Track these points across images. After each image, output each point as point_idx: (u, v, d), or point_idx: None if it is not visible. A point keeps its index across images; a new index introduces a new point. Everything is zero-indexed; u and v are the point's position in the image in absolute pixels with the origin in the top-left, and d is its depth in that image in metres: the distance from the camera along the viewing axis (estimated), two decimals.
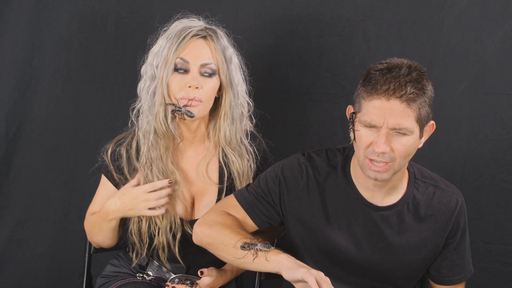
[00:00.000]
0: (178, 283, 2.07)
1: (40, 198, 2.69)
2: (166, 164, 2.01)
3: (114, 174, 2.04)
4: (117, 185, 2.05)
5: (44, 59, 2.61)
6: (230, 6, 2.46)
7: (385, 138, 1.70)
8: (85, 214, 2.28)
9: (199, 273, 2.02)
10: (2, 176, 2.66)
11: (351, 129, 1.77)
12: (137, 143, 2.04)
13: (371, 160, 1.73)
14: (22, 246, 2.70)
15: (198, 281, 2.03)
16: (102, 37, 2.59)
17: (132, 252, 2.09)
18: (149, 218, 2.03)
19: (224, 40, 2.01)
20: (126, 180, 2.04)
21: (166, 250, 2.04)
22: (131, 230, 2.06)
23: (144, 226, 2.03)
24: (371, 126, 1.71)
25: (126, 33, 2.58)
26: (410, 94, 1.68)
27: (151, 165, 2.01)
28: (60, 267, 2.71)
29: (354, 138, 1.76)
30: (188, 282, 2.05)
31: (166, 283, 2.06)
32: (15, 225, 2.70)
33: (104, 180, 2.08)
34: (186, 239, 2.02)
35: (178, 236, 2.02)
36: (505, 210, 2.42)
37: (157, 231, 2.02)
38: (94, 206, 2.09)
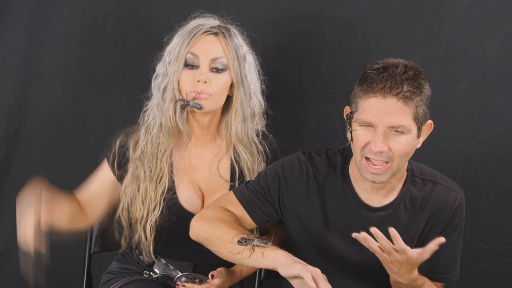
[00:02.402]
0: (186, 281, 2.07)
1: None
2: (157, 163, 2.02)
3: (116, 165, 2.06)
4: (116, 175, 2.07)
5: (44, 59, 2.61)
6: (230, 6, 2.46)
7: (382, 137, 1.70)
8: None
9: (209, 276, 2.03)
10: (2, 176, 2.66)
11: (348, 130, 1.77)
12: (138, 137, 2.06)
13: (367, 159, 1.73)
14: None
15: (208, 281, 2.04)
16: (102, 37, 2.59)
17: (121, 237, 2.12)
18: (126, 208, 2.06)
19: (238, 39, 2.02)
20: (125, 173, 2.05)
21: (141, 243, 2.06)
22: (119, 216, 2.09)
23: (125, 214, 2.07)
24: (367, 125, 1.71)
25: (126, 33, 2.58)
26: (406, 92, 1.68)
27: (143, 159, 2.02)
28: (60, 267, 2.71)
29: (352, 139, 1.76)
30: (197, 280, 2.06)
31: (176, 283, 2.07)
32: (15, 225, 2.68)
33: (105, 165, 2.08)
34: None
35: (153, 232, 2.04)
36: (505, 210, 2.41)
37: (134, 221, 2.06)
38: (84, 190, 2.09)
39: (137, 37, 2.56)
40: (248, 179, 2.05)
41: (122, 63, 2.59)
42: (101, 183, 2.08)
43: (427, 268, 1.89)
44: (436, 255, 1.85)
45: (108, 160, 2.07)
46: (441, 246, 1.84)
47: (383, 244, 1.65)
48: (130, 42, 2.57)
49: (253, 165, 2.06)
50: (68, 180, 2.64)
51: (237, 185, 2.04)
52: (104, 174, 2.08)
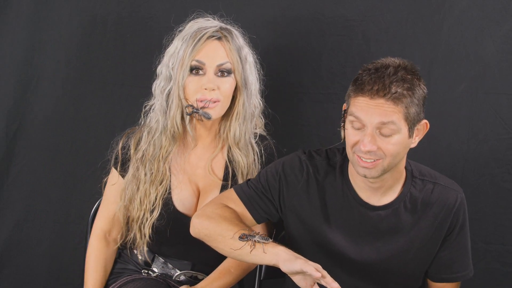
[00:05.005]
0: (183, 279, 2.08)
1: (40, 198, 2.69)
2: (159, 166, 2.03)
3: (121, 167, 2.07)
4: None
5: (44, 59, 2.61)
6: (230, 6, 2.46)
7: (371, 138, 1.70)
8: (85, 214, 2.28)
9: None
10: (2, 176, 2.66)
11: (342, 127, 1.78)
12: (140, 137, 2.06)
13: (359, 156, 1.74)
14: (22, 246, 2.70)
15: None
16: (102, 37, 2.59)
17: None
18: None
19: (240, 40, 2.02)
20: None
21: (136, 241, 2.07)
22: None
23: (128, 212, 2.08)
24: (357, 122, 1.72)
25: (126, 33, 2.58)
26: (394, 93, 1.68)
27: (144, 161, 2.02)
28: (60, 267, 2.71)
29: (345, 136, 1.77)
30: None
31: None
32: (15, 225, 2.70)
33: (114, 175, 2.09)
34: (190, 235, 2.02)
35: (148, 233, 2.04)
36: (505, 210, 2.42)
37: (131, 220, 2.07)
38: (108, 208, 2.10)
39: (137, 37, 2.56)
40: (240, 180, 2.05)
41: (122, 63, 2.59)
42: (116, 191, 2.09)
43: (444, 270, 1.92)
44: (450, 255, 1.87)
45: (115, 168, 2.08)
46: (454, 245, 1.87)
47: None
48: (130, 42, 2.57)
49: (248, 167, 2.06)
50: (68, 180, 2.66)
51: (230, 186, 2.05)
52: (119, 184, 2.08)
